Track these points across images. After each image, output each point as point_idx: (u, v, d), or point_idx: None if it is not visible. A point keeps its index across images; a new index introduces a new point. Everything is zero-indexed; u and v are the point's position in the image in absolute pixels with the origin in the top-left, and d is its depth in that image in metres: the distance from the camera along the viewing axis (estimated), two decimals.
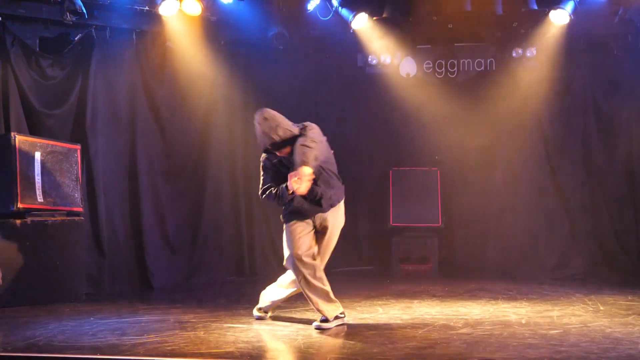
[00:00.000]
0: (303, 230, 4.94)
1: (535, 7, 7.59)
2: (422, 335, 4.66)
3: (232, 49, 8.05)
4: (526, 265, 7.97)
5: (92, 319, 5.50)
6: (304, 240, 4.91)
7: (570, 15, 7.45)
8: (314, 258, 4.93)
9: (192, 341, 4.54)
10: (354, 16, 7.81)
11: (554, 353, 4.02)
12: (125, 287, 7.21)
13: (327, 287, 4.96)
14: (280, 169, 4.96)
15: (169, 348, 4.34)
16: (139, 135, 7.49)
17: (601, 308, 5.63)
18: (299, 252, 4.87)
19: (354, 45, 8.32)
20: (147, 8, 7.23)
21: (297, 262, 4.88)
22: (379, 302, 6.06)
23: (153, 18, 7.32)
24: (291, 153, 4.83)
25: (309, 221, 4.98)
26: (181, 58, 7.70)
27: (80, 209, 6.68)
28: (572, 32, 7.71)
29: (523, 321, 5.13)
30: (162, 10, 7.16)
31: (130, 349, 4.32)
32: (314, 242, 4.98)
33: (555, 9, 7.49)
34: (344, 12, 7.84)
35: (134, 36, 7.43)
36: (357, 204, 8.71)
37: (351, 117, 8.86)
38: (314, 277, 4.89)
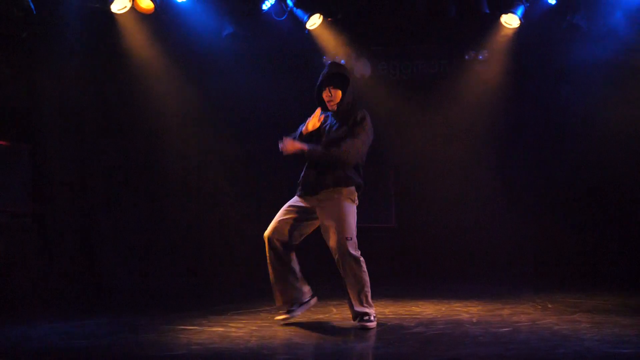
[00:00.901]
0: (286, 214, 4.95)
1: (487, 11, 7.72)
2: (376, 334, 4.68)
3: (186, 48, 7.97)
4: (477, 265, 8.10)
5: (39, 322, 5.38)
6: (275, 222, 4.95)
7: (520, 20, 7.60)
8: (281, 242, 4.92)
9: (143, 344, 4.48)
10: (308, 17, 7.82)
11: (504, 350, 4.08)
12: (74, 289, 7.07)
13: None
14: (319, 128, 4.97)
15: (120, 351, 4.27)
16: (91, 134, 7.37)
17: (549, 306, 5.74)
18: (265, 233, 4.93)
19: (308, 46, 8.33)
20: (98, 5, 7.11)
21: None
22: (333, 303, 6.07)
23: (105, 15, 7.21)
24: (337, 117, 4.91)
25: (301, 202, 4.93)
26: (133, 56, 7.60)
27: (27, 210, 6.55)
28: (523, 35, 7.86)
29: (474, 320, 5.20)
30: (114, 7, 7.05)
31: (79, 353, 4.24)
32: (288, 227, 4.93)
33: (506, 13, 7.63)
34: (298, 12, 7.84)
35: (86, 33, 7.30)
36: None
37: (306, 118, 8.84)
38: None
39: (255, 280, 7.81)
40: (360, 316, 4.84)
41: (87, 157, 7.35)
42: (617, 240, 7.77)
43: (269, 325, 5.05)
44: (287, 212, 5.01)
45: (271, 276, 5.02)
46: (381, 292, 6.66)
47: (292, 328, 4.94)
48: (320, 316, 5.47)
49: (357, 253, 4.84)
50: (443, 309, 5.72)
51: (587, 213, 7.94)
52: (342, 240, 4.78)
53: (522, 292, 6.52)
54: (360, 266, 4.84)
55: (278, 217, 5.01)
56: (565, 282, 7.24)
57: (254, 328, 4.98)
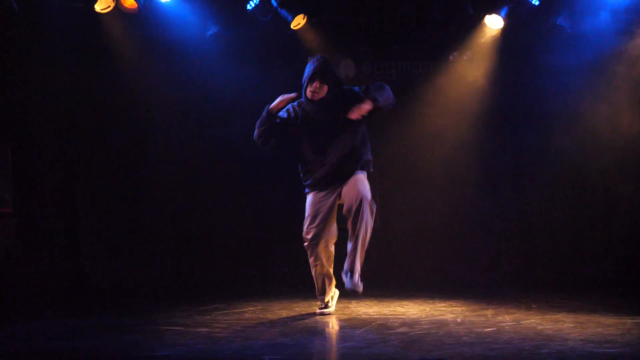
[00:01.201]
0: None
1: (471, 12, 7.75)
2: (359, 335, 4.69)
3: (170, 47, 7.93)
4: (461, 265, 8.14)
5: (23, 323, 5.34)
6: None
7: (504, 20, 7.64)
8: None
9: (127, 345, 4.46)
10: (292, 17, 7.81)
11: (488, 350, 4.10)
12: (59, 289, 7.02)
13: None
14: (312, 117, 5.21)
15: (103, 353, 4.24)
16: (76, 133, 7.32)
17: (533, 306, 5.78)
18: (314, 239, 5.35)
19: (293, 46, 8.32)
20: (81, 5, 7.07)
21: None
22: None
23: (88, 15, 7.17)
24: (329, 103, 5.15)
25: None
26: (118, 56, 7.55)
27: (8, 210, 6.49)
28: (507, 36, 7.91)
29: (458, 320, 5.21)
30: (98, 7, 7.01)
31: (62, 354, 4.20)
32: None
33: (490, 13, 7.66)
34: (282, 12, 7.82)
35: (70, 33, 7.26)
36: (299, 204, 8.72)
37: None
38: None
39: (240, 281, 7.80)
40: (349, 273, 5.18)
41: (72, 155, 7.30)
42: (600, 240, 7.82)
43: (253, 326, 5.05)
44: (328, 213, 5.31)
45: (320, 270, 5.40)
46: (365, 293, 6.67)
47: (277, 328, 4.93)
48: (305, 316, 5.47)
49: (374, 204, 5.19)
50: (427, 309, 5.74)
51: (570, 213, 7.99)
52: (366, 192, 5.16)
53: (506, 292, 6.56)
54: (373, 214, 5.19)
55: (322, 221, 5.29)
56: (549, 282, 7.28)
57: (238, 329, 4.96)
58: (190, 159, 8.23)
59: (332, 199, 5.30)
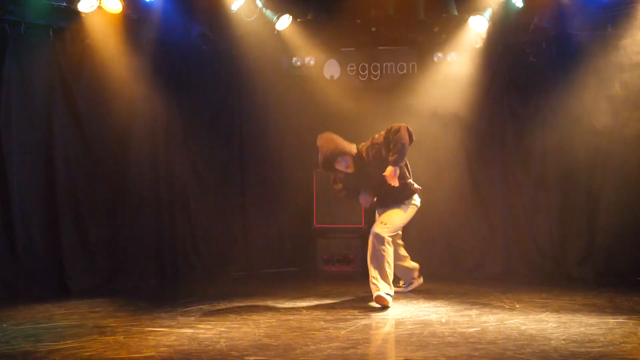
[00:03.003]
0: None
1: (456, 13, 7.79)
2: (344, 335, 4.69)
3: (154, 48, 7.88)
4: (446, 265, 8.16)
5: (4, 325, 5.29)
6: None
7: (489, 22, 7.68)
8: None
9: (111, 346, 4.43)
10: (278, 17, 7.81)
11: (472, 350, 4.12)
12: (41, 291, 6.94)
13: None
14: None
15: (87, 354, 4.22)
16: (57, 135, 7.25)
17: (517, 306, 5.81)
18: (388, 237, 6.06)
19: (278, 47, 8.31)
20: (65, 4, 7.02)
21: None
22: (303, 304, 6.07)
23: (71, 14, 7.12)
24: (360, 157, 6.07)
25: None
26: (101, 56, 7.50)
27: None
28: (491, 38, 7.94)
29: (443, 320, 5.23)
30: (81, 6, 6.97)
31: (45, 356, 4.17)
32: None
33: (474, 15, 7.70)
34: (268, 13, 7.82)
35: (51, 32, 7.20)
36: (281, 206, 8.72)
37: (275, 119, 8.84)
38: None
39: (224, 282, 7.77)
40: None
41: (54, 159, 7.22)
42: (583, 240, 7.86)
43: (238, 327, 5.04)
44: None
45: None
46: (350, 292, 6.68)
47: (262, 329, 4.93)
48: (290, 317, 5.47)
49: (384, 233, 5.93)
50: (412, 309, 5.75)
51: (554, 213, 8.03)
52: (379, 222, 6.09)
53: (490, 293, 6.59)
54: (380, 245, 5.94)
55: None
56: (533, 282, 7.32)
57: (222, 329, 4.95)
58: (175, 160, 8.18)
59: None
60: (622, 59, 7.50)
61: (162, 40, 7.86)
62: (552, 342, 4.35)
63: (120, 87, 7.70)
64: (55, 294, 6.95)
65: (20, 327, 5.21)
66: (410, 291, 6.69)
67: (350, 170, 6.03)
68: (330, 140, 5.97)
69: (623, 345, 4.25)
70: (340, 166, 5.97)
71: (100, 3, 7.02)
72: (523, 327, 4.87)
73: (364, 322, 5.20)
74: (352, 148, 6.03)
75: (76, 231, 7.37)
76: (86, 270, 7.35)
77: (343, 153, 5.92)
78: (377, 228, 6.00)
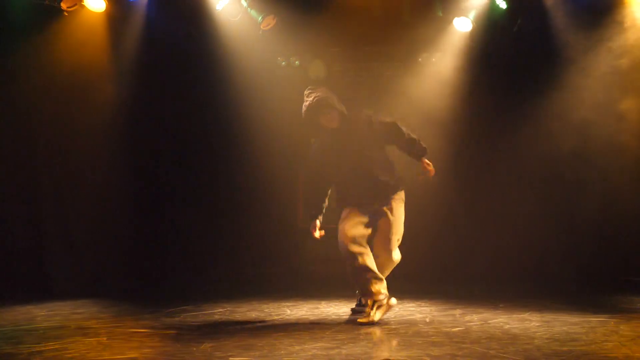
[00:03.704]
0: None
1: (441, 14, 7.81)
2: (329, 335, 4.69)
3: (139, 47, 7.84)
4: (429, 265, 8.18)
5: None
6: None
7: (473, 23, 7.71)
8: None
9: (94, 347, 4.40)
10: (263, 17, 7.79)
11: (456, 350, 4.13)
12: (22, 293, 6.88)
13: None
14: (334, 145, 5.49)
15: (69, 355, 4.18)
16: (39, 131, 7.19)
17: (500, 305, 5.84)
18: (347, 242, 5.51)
19: (263, 47, 8.29)
20: (47, 2, 6.97)
21: None
22: (287, 304, 6.06)
23: (54, 12, 7.06)
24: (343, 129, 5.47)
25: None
26: (83, 54, 7.44)
27: None
28: (475, 39, 7.97)
29: (427, 320, 5.25)
30: (64, 4, 6.92)
31: (27, 358, 4.14)
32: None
33: (459, 16, 7.73)
34: (253, 12, 7.80)
35: (34, 31, 7.14)
36: (267, 205, 8.70)
37: (260, 118, 8.82)
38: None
39: (209, 283, 7.75)
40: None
41: (37, 157, 7.16)
42: (566, 239, 7.91)
43: (222, 327, 5.02)
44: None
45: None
46: (336, 293, 6.68)
47: (247, 330, 4.92)
48: (274, 317, 5.46)
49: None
50: (396, 309, 5.76)
51: (536, 212, 8.07)
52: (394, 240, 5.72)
53: (474, 292, 6.62)
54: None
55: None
56: (516, 281, 7.36)
57: (207, 330, 4.94)
58: (160, 159, 8.15)
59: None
60: (606, 58, 7.56)
61: (146, 40, 7.82)
62: (536, 341, 4.37)
63: (104, 87, 7.65)
64: (37, 296, 6.89)
65: (1, 329, 5.16)
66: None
67: (334, 125, 5.45)
68: (323, 90, 5.52)
69: (605, 343, 4.28)
70: (325, 119, 5.43)
71: (83, 1, 6.96)
72: (506, 327, 4.89)
73: (348, 322, 5.20)
74: (344, 108, 5.56)
75: (59, 233, 7.31)
76: (69, 273, 7.30)
77: (333, 106, 5.42)
78: (395, 250, 5.64)
